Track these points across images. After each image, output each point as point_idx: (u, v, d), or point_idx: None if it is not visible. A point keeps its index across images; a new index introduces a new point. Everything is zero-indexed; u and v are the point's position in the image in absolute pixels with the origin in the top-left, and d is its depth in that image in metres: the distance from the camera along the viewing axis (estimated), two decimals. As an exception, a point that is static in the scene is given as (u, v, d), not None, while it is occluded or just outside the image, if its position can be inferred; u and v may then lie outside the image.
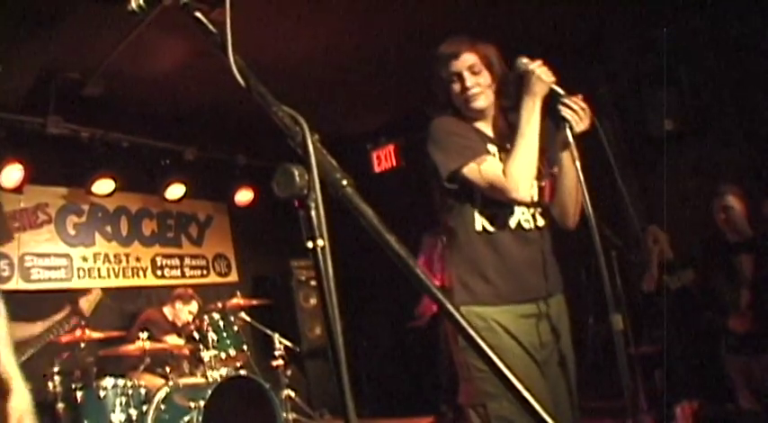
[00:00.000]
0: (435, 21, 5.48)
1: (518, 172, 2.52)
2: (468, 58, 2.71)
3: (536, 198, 2.68)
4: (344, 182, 1.25)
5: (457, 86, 2.74)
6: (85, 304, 5.30)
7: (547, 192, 2.76)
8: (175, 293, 6.49)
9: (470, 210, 2.65)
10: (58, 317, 5.13)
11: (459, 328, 1.13)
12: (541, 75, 2.56)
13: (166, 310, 6.40)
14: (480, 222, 2.63)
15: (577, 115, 2.59)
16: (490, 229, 2.63)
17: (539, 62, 2.60)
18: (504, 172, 2.54)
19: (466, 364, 2.53)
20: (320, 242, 1.19)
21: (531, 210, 2.69)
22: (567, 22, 6.15)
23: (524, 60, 2.61)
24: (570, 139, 2.62)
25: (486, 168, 2.57)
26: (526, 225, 2.67)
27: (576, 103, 2.60)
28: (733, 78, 5.94)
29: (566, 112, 2.60)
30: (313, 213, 1.19)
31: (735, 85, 5.94)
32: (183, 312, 6.31)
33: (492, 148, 2.68)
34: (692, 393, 4.95)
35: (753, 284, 4.45)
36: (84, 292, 6.40)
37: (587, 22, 6.25)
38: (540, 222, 2.72)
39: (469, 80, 2.70)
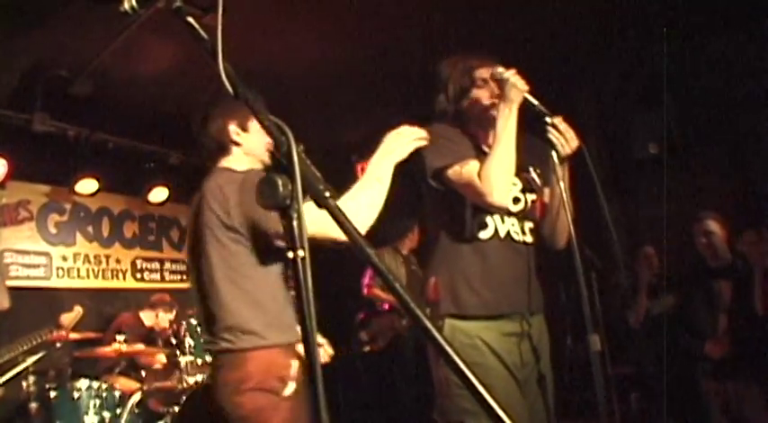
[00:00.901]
0: (423, 37, 5.51)
1: (493, 176, 2.52)
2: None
3: (524, 210, 2.71)
4: (327, 193, 1.25)
5: (485, 92, 2.77)
6: (66, 320, 5.27)
7: (538, 207, 2.78)
8: (156, 299, 6.43)
9: (460, 216, 2.65)
10: (40, 338, 5.11)
11: (436, 344, 1.12)
12: (516, 82, 2.57)
13: (144, 315, 6.35)
14: (470, 230, 2.62)
15: (563, 137, 2.61)
16: (480, 236, 2.63)
17: (513, 71, 2.61)
18: (479, 175, 2.55)
19: (446, 379, 2.53)
20: (301, 253, 1.19)
21: (522, 223, 2.71)
22: (556, 44, 6.19)
23: (500, 69, 2.63)
24: (556, 160, 2.64)
25: (466, 170, 2.60)
26: (516, 236, 2.68)
27: (560, 124, 2.63)
28: (719, 105, 5.99)
29: (552, 135, 2.62)
30: (295, 224, 1.18)
31: (720, 112, 6.00)
32: (164, 320, 6.27)
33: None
34: (667, 417, 4.97)
35: (730, 310, 4.48)
36: (65, 294, 6.43)
37: (575, 44, 6.29)
38: (529, 238, 2.73)
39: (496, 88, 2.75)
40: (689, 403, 4.85)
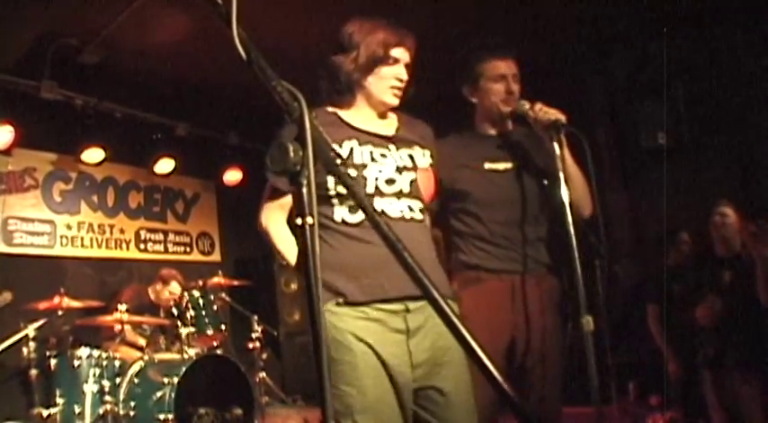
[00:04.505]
0: (435, 21, 5.47)
1: None
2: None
3: (407, 190, 2.42)
4: (338, 161, 1.24)
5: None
6: None
7: (421, 186, 2.47)
8: (164, 274, 6.40)
9: (329, 200, 2.38)
10: None
11: (446, 319, 1.11)
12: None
13: (152, 289, 6.32)
14: (340, 214, 2.37)
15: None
16: (349, 221, 2.36)
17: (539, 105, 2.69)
18: None
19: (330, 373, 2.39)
20: (309, 219, 1.18)
21: (403, 200, 2.41)
22: (567, 33, 6.17)
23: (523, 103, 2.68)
24: (558, 151, 2.64)
25: None
26: (394, 214, 2.39)
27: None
28: (728, 96, 5.97)
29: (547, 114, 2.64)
30: (304, 190, 1.18)
31: (729, 103, 5.97)
32: (164, 293, 6.24)
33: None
34: (666, 406, 4.99)
35: (731, 300, 4.44)
36: (68, 263, 6.45)
37: (587, 34, 6.26)
38: (417, 215, 2.45)
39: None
40: (688, 393, 4.86)
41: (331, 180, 2.32)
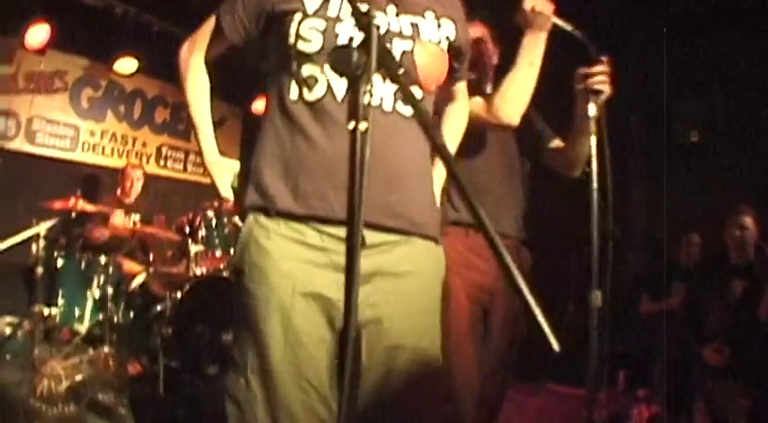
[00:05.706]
0: None
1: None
2: None
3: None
4: (401, 71, 1.22)
5: None
6: None
7: (422, 65, 1.77)
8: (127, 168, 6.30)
9: (289, 77, 1.76)
10: None
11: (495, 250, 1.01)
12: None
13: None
14: (296, 90, 1.73)
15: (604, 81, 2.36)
16: (308, 97, 1.71)
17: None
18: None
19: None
20: (362, 125, 1.15)
21: (389, 84, 1.71)
22: (605, 26, 6.10)
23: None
24: (592, 113, 2.43)
25: None
26: (373, 100, 1.69)
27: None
28: (764, 99, 5.89)
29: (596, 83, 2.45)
30: (361, 94, 1.15)
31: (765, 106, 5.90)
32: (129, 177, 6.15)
33: None
34: (654, 399, 5.00)
35: (736, 310, 4.42)
36: (87, 169, 6.46)
37: (624, 27, 6.18)
38: (404, 107, 1.74)
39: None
40: (676, 390, 4.87)
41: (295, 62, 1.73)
